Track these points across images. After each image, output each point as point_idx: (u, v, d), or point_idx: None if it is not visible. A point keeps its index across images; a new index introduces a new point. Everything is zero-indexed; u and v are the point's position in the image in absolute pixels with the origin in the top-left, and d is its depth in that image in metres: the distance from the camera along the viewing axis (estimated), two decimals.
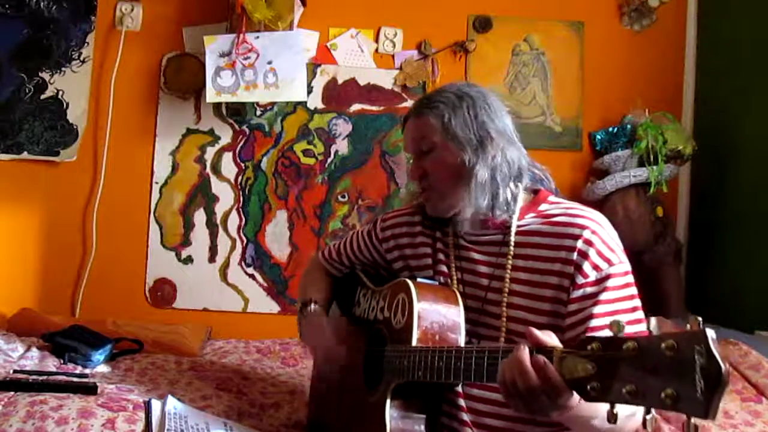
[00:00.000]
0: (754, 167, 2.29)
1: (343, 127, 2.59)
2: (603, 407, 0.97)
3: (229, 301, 2.53)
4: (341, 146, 2.59)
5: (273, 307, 2.54)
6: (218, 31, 2.45)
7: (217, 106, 2.52)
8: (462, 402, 1.26)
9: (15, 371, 1.66)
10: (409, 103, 2.59)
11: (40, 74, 2.45)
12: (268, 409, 1.67)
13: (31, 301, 2.38)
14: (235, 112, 2.53)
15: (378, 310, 1.39)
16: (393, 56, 2.61)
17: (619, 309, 1.16)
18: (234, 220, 2.55)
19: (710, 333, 0.72)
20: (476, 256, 1.31)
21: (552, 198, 1.33)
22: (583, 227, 1.21)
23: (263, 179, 2.56)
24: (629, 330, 1.04)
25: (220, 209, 2.55)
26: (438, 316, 1.24)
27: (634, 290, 1.20)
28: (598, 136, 2.59)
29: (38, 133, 2.44)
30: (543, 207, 1.30)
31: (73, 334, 1.91)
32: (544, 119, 2.63)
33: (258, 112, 2.57)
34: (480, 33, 2.63)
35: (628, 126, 2.52)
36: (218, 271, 2.53)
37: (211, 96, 2.39)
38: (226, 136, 2.56)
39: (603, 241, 1.20)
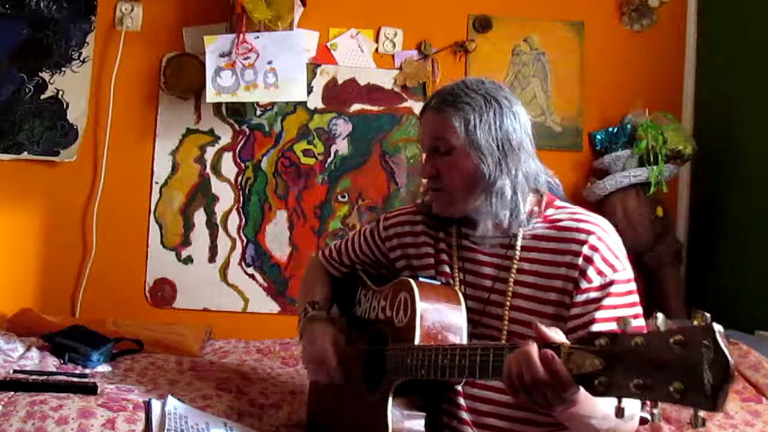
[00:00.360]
0: (754, 167, 2.29)
1: (343, 127, 2.59)
2: (602, 407, 0.97)
3: (229, 301, 2.53)
4: (341, 146, 2.59)
5: (273, 307, 2.54)
6: (218, 31, 2.45)
7: (217, 106, 2.52)
8: (462, 401, 1.26)
9: (15, 371, 1.65)
10: (409, 103, 2.59)
11: (40, 74, 2.45)
12: (268, 409, 1.67)
13: (31, 301, 2.38)
14: (235, 112, 2.53)
15: (379, 310, 1.38)
16: (393, 56, 2.60)
17: (621, 315, 1.16)
18: (234, 220, 2.55)
19: (717, 327, 0.73)
20: (480, 257, 1.31)
21: (558, 203, 1.32)
22: (589, 233, 1.22)
23: (263, 179, 2.56)
24: None
25: (220, 209, 2.55)
26: (440, 315, 1.24)
27: (636, 297, 1.21)
28: (598, 136, 2.59)
29: (38, 133, 2.44)
30: (549, 212, 1.30)
31: (73, 334, 1.91)
32: (544, 119, 2.63)
33: (258, 112, 2.57)
34: (480, 33, 2.63)
35: (628, 126, 2.52)
36: (218, 271, 2.53)
37: (211, 96, 2.39)
38: (226, 136, 2.56)
39: (608, 248, 1.21)
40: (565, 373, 0.87)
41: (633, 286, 1.22)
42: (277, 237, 2.55)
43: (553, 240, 1.25)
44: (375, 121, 2.59)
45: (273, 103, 2.55)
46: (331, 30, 2.59)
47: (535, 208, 1.29)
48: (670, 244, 2.46)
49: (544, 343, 0.93)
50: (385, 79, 2.60)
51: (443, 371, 1.12)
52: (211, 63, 2.38)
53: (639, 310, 1.20)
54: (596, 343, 0.84)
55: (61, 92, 2.46)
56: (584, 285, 1.19)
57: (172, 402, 1.50)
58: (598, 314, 1.17)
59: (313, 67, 2.57)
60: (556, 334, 0.96)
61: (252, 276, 2.54)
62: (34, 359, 1.81)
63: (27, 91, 2.44)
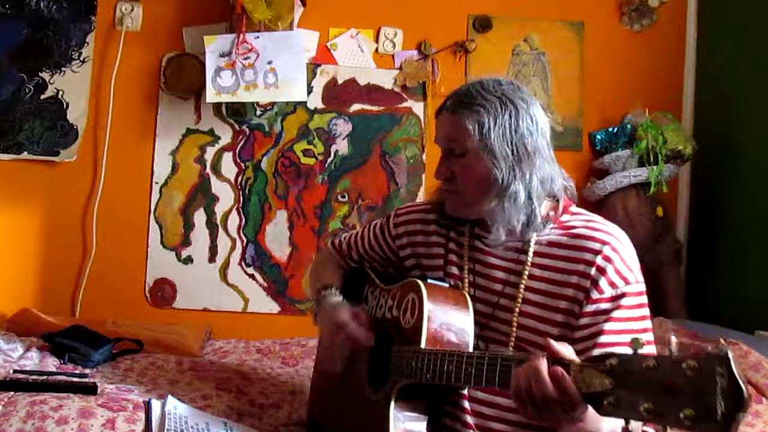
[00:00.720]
0: (754, 167, 2.29)
1: (343, 127, 2.59)
2: (607, 423, 0.97)
3: (229, 301, 2.53)
4: (341, 146, 2.59)
5: (273, 307, 2.54)
6: (218, 31, 2.45)
7: (217, 106, 2.52)
8: (466, 404, 1.25)
9: (15, 371, 1.65)
10: (409, 103, 2.59)
11: (40, 74, 2.45)
12: (268, 409, 1.67)
13: (31, 301, 2.38)
14: (235, 112, 2.53)
15: (386, 309, 1.37)
16: (393, 56, 2.60)
17: (631, 328, 1.16)
18: (234, 220, 2.55)
19: (732, 355, 0.72)
20: (492, 260, 1.30)
21: (573, 208, 1.30)
22: (603, 242, 1.20)
23: (263, 179, 2.56)
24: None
25: (220, 209, 2.55)
26: (447, 319, 1.23)
27: (646, 311, 1.20)
28: (598, 136, 2.59)
29: (38, 133, 2.44)
30: (565, 218, 1.28)
31: (73, 334, 1.90)
32: None
33: (258, 112, 2.57)
34: (480, 33, 2.63)
35: (628, 126, 2.52)
36: (218, 271, 2.53)
37: (211, 96, 2.39)
38: (226, 136, 2.56)
39: (622, 259, 1.19)
40: (574, 391, 0.87)
41: (644, 299, 1.20)
42: (277, 237, 2.55)
43: (566, 247, 1.23)
44: (375, 121, 2.59)
45: (273, 103, 2.55)
46: (331, 30, 2.59)
47: (551, 213, 1.27)
48: (670, 244, 2.46)
49: (554, 358, 0.92)
50: (385, 79, 2.60)
51: (449, 377, 1.11)
52: (211, 63, 2.38)
53: (648, 324, 1.19)
54: (607, 362, 0.83)
55: (61, 92, 2.46)
56: (595, 295, 1.17)
57: (172, 402, 1.50)
58: (607, 326, 1.16)
59: (313, 67, 2.57)
60: (567, 350, 0.95)
61: (252, 276, 2.54)
62: (34, 359, 1.81)
63: (27, 91, 2.44)
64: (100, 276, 2.46)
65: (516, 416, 1.21)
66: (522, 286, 1.24)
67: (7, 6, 2.43)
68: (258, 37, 2.38)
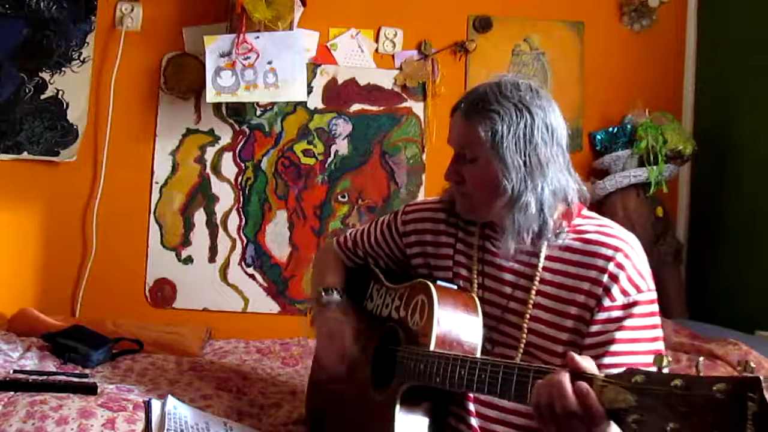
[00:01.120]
0: (754, 167, 2.29)
1: (343, 127, 2.59)
2: None
3: (229, 301, 2.53)
4: (341, 146, 2.59)
5: (273, 307, 2.54)
6: (218, 31, 2.45)
7: (217, 106, 2.52)
8: (471, 407, 1.24)
9: (15, 371, 1.65)
10: (409, 103, 2.59)
11: (40, 74, 2.45)
12: (268, 409, 1.67)
13: (31, 301, 2.38)
14: (235, 112, 2.53)
15: (393, 309, 1.36)
16: (393, 56, 2.60)
17: (641, 337, 1.15)
18: (234, 220, 2.55)
19: (764, 379, 0.70)
20: (502, 262, 1.28)
21: (585, 212, 1.28)
22: (616, 249, 1.18)
23: (263, 179, 2.56)
24: (647, 359, 1.01)
25: (220, 209, 2.55)
26: (457, 322, 1.22)
27: (658, 319, 1.18)
28: (598, 136, 2.59)
29: (38, 133, 2.44)
30: (577, 221, 1.25)
31: (73, 334, 1.90)
32: None
33: (258, 112, 2.57)
34: (480, 33, 2.63)
35: (628, 126, 2.52)
36: (218, 271, 2.53)
37: (211, 96, 2.39)
38: (226, 136, 2.56)
39: (634, 267, 1.17)
40: (599, 407, 0.85)
41: (656, 307, 1.18)
42: (277, 237, 2.55)
43: (578, 252, 1.21)
44: (375, 121, 2.59)
45: (273, 103, 2.55)
46: (331, 30, 2.59)
47: (563, 221, 1.24)
48: (670, 244, 2.46)
49: (577, 372, 0.90)
50: (385, 79, 2.60)
51: (460, 383, 1.09)
52: (211, 63, 2.39)
53: (659, 333, 1.17)
54: (633, 380, 0.81)
55: (61, 92, 2.46)
56: (607, 303, 1.15)
57: (172, 402, 1.50)
58: (619, 335, 1.14)
59: (313, 67, 2.57)
60: (589, 364, 0.93)
61: (252, 276, 2.54)
62: (34, 359, 1.81)
63: (27, 91, 2.44)
64: (100, 276, 2.46)
65: (520, 419, 1.20)
66: (533, 290, 1.22)
67: (7, 6, 2.43)
68: (258, 37, 2.38)
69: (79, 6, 2.48)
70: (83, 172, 2.49)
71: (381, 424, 1.23)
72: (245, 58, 2.38)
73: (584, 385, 0.87)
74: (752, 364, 0.73)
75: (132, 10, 2.52)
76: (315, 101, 2.58)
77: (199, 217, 2.54)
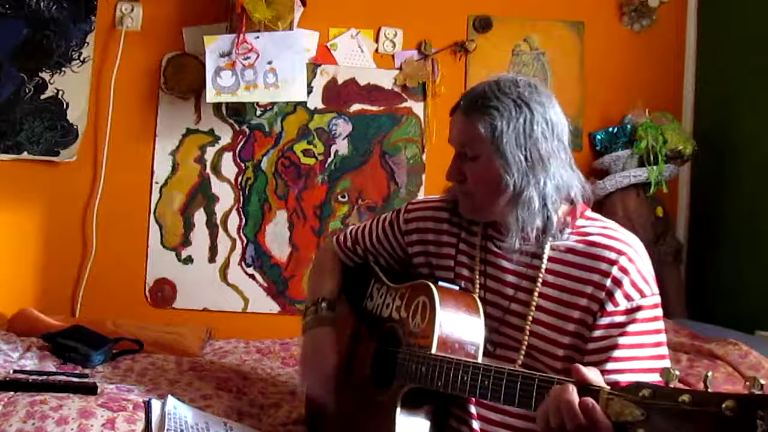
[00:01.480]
0: (754, 167, 2.29)
1: (343, 127, 2.59)
2: None
3: (229, 301, 2.53)
4: (341, 146, 2.59)
5: (273, 307, 2.54)
6: (218, 31, 2.45)
7: (217, 106, 2.52)
8: (473, 409, 1.23)
9: (15, 371, 1.65)
10: (409, 103, 2.59)
11: (40, 74, 2.45)
12: (268, 409, 1.67)
13: (31, 301, 2.38)
14: (235, 112, 2.53)
15: (393, 309, 1.35)
16: (393, 56, 2.60)
17: (644, 342, 1.14)
18: (234, 220, 2.55)
19: None
20: (504, 263, 1.27)
21: (589, 213, 1.28)
22: (620, 252, 1.17)
23: (263, 179, 2.56)
24: (650, 365, 1.01)
25: (220, 209, 2.55)
26: (459, 324, 1.21)
27: (661, 324, 1.17)
28: (598, 136, 2.59)
29: (38, 133, 2.44)
30: (580, 222, 1.25)
31: (73, 334, 1.90)
32: None
33: (258, 112, 2.57)
34: (480, 33, 2.63)
35: (628, 126, 2.52)
36: (218, 271, 2.53)
37: (211, 96, 2.39)
38: (226, 136, 2.56)
39: (638, 270, 1.16)
40: (605, 422, 0.85)
41: (659, 311, 1.18)
42: (277, 237, 2.55)
43: (581, 255, 1.20)
44: (375, 121, 2.59)
45: (273, 103, 2.55)
46: (331, 30, 2.59)
47: (568, 218, 1.24)
48: (670, 244, 2.46)
49: (583, 384, 0.90)
50: (385, 79, 2.60)
51: (463, 388, 1.09)
52: (211, 63, 2.39)
53: (662, 338, 1.17)
54: (639, 394, 0.81)
55: (61, 92, 2.46)
56: (610, 308, 1.15)
57: (171, 402, 1.50)
58: (621, 340, 1.13)
59: (313, 67, 2.57)
60: (595, 375, 0.93)
61: (252, 276, 2.54)
62: (34, 359, 1.81)
63: (27, 91, 2.44)
64: (100, 276, 2.46)
65: (522, 422, 1.20)
66: (536, 292, 1.21)
67: (7, 6, 2.43)
68: (258, 37, 2.38)
69: (79, 6, 2.48)
70: (83, 172, 2.49)
71: (381, 425, 1.23)
72: (245, 58, 2.38)
73: (590, 401, 0.87)
74: (761, 381, 0.72)
75: (132, 10, 2.52)
76: (315, 101, 2.58)
77: (199, 217, 2.54)
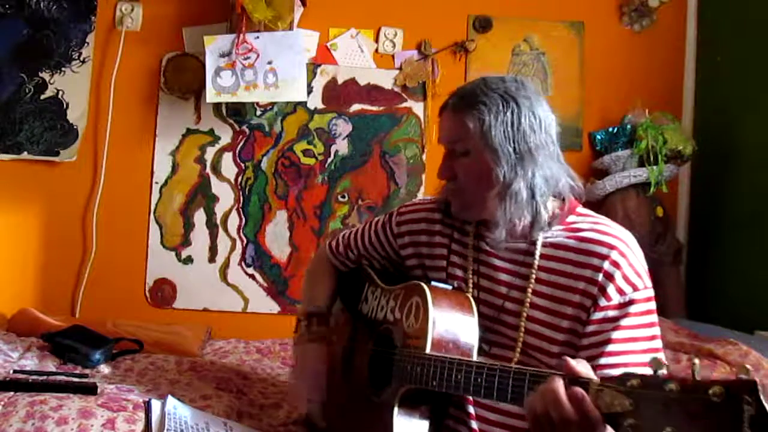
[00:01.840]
0: (755, 167, 2.29)
1: (343, 127, 2.59)
2: None
3: (229, 301, 2.53)
4: (341, 146, 2.59)
5: (273, 307, 2.54)
6: (218, 31, 2.45)
7: (217, 106, 2.52)
8: (471, 409, 1.24)
9: (15, 371, 1.65)
10: (409, 103, 2.59)
11: (40, 74, 2.45)
12: (268, 409, 1.67)
13: (31, 301, 2.38)
14: (235, 112, 2.53)
15: (388, 310, 1.35)
16: (393, 56, 2.61)
17: (638, 336, 1.15)
18: (234, 220, 2.55)
19: (760, 382, 0.71)
20: (497, 262, 1.27)
21: (580, 209, 1.28)
22: (611, 247, 1.17)
23: (263, 179, 2.56)
24: (644, 359, 1.00)
25: (220, 209, 2.55)
26: (452, 323, 1.21)
27: (654, 318, 1.17)
28: (598, 136, 2.59)
29: (38, 133, 2.44)
30: (571, 219, 1.25)
31: (73, 334, 1.91)
32: None
33: (258, 112, 2.57)
34: (480, 33, 2.63)
35: (628, 126, 2.52)
36: (218, 271, 2.53)
37: (211, 96, 2.39)
38: (226, 136, 2.56)
39: (630, 264, 1.17)
40: (595, 413, 0.85)
41: (652, 305, 1.17)
42: (277, 237, 2.55)
43: (573, 251, 1.20)
44: (375, 121, 2.59)
45: (273, 103, 2.55)
46: (331, 30, 2.59)
47: (557, 213, 1.24)
48: (670, 244, 2.46)
49: (573, 377, 0.90)
50: (385, 79, 2.60)
51: (457, 386, 1.09)
52: (211, 63, 2.39)
53: (656, 331, 1.17)
54: (628, 383, 0.81)
55: (61, 92, 2.46)
56: (603, 303, 1.15)
57: (171, 402, 1.50)
58: (615, 334, 1.14)
59: (313, 67, 2.57)
60: (584, 368, 0.93)
61: (252, 276, 2.54)
62: (34, 359, 1.81)
63: (27, 91, 2.44)
64: (100, 276, 2.47)
65: (520, 422, 1.19)
66: (530, 290, 1.22)
67: (7, 6, 2.43)
68: (258, 37, 2.38)
69: (79, 6, 2.48)
70: (83, 172, 2.49)
71: (380, 426, 1.23)
72: (245, 58, 2.38)
73: (579, 391, 0.87)
74: (748, 367, 0.72)
75: (132, 10, 2.52)
76: (315, 101, 2.58)
77: (199, 217, 2.54)
